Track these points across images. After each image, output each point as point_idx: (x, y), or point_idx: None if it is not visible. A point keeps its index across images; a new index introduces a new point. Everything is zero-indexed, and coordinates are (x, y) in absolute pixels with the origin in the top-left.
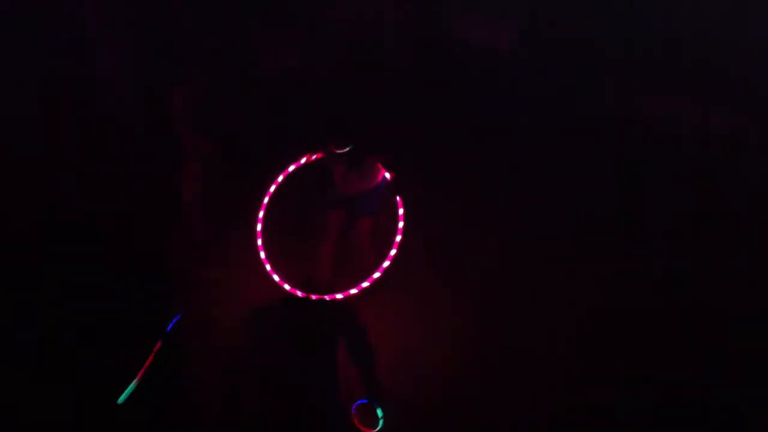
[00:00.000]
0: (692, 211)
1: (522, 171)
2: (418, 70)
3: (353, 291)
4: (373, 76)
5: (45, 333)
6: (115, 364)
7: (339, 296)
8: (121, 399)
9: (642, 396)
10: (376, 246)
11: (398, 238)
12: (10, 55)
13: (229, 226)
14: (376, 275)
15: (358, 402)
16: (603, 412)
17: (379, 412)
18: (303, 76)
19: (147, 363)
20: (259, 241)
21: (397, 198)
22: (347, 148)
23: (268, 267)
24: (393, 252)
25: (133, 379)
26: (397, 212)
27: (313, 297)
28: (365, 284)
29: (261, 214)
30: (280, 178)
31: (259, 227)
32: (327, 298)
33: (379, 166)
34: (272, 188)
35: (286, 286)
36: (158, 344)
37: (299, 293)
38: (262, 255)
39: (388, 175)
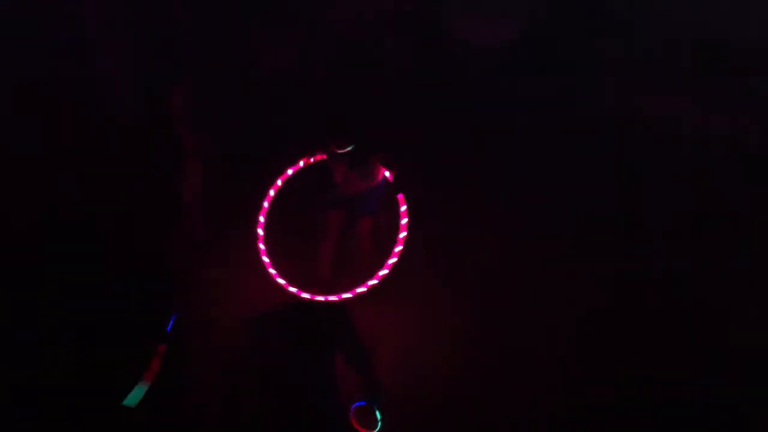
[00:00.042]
0: (692, 211)
1: (522, 171)
2: (418, 70)
3: (361, 289)
4: (373, 76)
5: (45, 333)
6: (115, 364)
7: (348, 295)
8: (131, 401)
9: (642, 396)
10: (376, 246)
11: (403, 234)
12: (10, 55)
13: (229, 226)
14: (384, 272)
15: (357, 404)
16: (603, 412)
17: (378, 414)
18: (303, 76)
19: (155, 366)
20: (262, 246)
21: (399, 196)
22: (349, 148)
23: (272, 271)
24: (399, 248)
25: (141, 382)
26: (400, 210)
27: (319, 298)
28: (373, 281)
29: (262, 219)
30: (280, 183)
31: (261, 232)
32: (335, 298)
33: (380, 166)
34: (272, 193)
35: (292, 289)
36: (163, 346)
37: (305, 295)
38: (266, 260)
39: (388, 174)
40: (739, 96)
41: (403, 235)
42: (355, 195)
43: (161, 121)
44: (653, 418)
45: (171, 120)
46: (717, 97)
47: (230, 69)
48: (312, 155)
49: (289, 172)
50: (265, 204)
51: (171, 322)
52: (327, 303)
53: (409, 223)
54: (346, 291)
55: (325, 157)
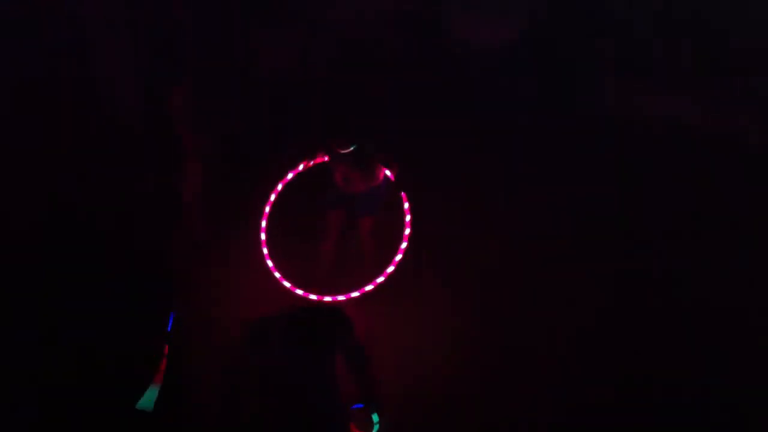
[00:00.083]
0: (692, 211)
1: (522, 171)
2: (418, 70)
3: (369, 287)
4: (373, 76)
5: (45, 333)
6: (115, 364)
7: (355, 294)
8: (146, 404)
9: (642, 396)
10: (377, 246)
11: (407, 231)
12: (10, 55)
13: (229, 226)
14: (391, 269)
15: (354, 406)
16: (603, 412)
17: (375, 417)
18: (303, 76)
19: (162, 367)
20: (265, 250)
21: (402, 194)
22: (351, 148)
23: (277, 274)
24: (404, 245)
25: (152, 384)
26: (403, 207)
27: (328, 299)
28: (380, 279)
29: (264, 223)
30: (280, 187)
31: (263, 237)
32: (343, 297)
33: (381, 165)
34: (273, 197)
35: (299, 291)
36: (166, 347)
37: (313, 297)
38: (270, 264)
39: (388, 173)
40: (739, 96)
41: (407, 231)
42: (356, 195)
43: (161, 121)
44: (653, 418)
45: (171, 120)
46: (717, 97)
47: (230, 69)
48: (312, 158)
49: (290, 176)
50: (267, 209)
51: (171, 322)
52: (331, 303)
53: (412, 220)
54: (348, 291)
55: (325, 158)
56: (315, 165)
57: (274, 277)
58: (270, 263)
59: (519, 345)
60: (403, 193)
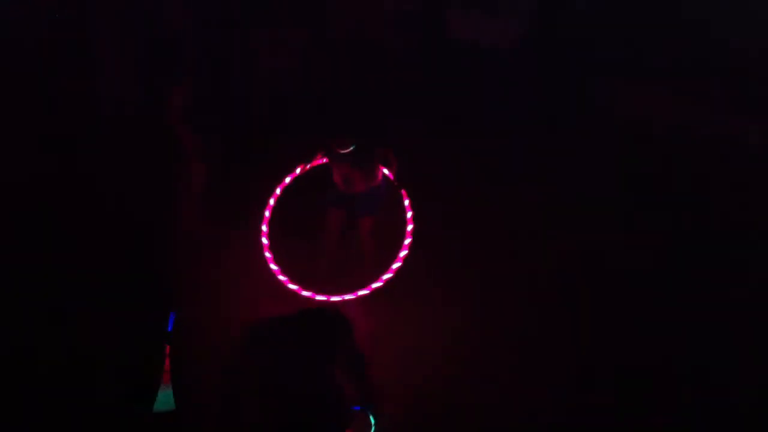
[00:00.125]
0: (692, 210)
1: (522, 171)
2: (418, 69)
3: (376, 285)
4: (373, 75)
5: (45, 333)
6: (114, 364)
7: (364, 292)
8: (164, 405)
9: (642, 396)
10: (377, 246)
11: (410, 227)
12: (10, 54)
13: (229, 226)
14: (397, 265)
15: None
16: (603, 412)
17: (372, 419)
18: (303, 76)
19: (167, 367)
20: (268, 254)
21: (402, 191)
22: (351, 148)
23: (282, 278)
24: (408, 241)
25: (161, 385)
26: (404, 204)
27: (333, 299)
28: (387, 275)
29: (264, 228)
30: (279, 191)
31: (265, 241)
32: (353, 296)
33: (381, 165)
34: (272, 201)
35: (306, 293)
36: (168, 347)
37: (320, 298)
38: (274, 267)
39: (387, 172)
40: (739, 96)
41: (410, 227)
42: (356, 195)
43: (161, 121)
44: (653, 418)
45: (171, 120)
46: (717, 97)
47: (230, 69)
48: (311, 160)
49: (287, 180)
50: (267, 213)
51: (171, 322)
52: (335, 303)
53: (414, 216)
54: (348, 291)
55: (324, 160)
56: (313, 168)
57: (279, 280)
58: (274, 267)
59: (519, 345)
60: (403, 190)
